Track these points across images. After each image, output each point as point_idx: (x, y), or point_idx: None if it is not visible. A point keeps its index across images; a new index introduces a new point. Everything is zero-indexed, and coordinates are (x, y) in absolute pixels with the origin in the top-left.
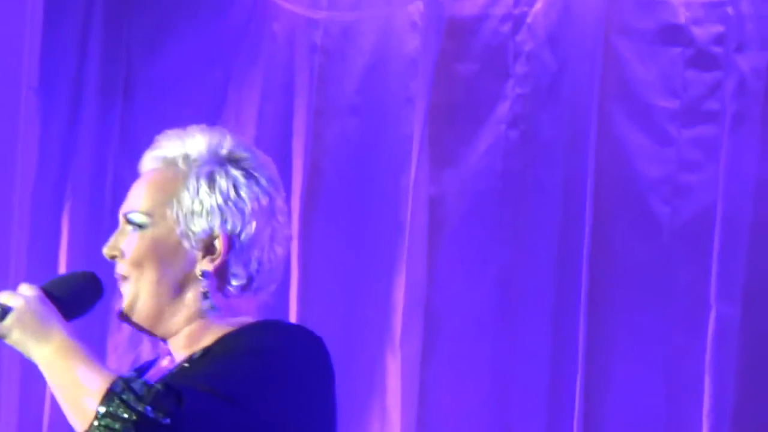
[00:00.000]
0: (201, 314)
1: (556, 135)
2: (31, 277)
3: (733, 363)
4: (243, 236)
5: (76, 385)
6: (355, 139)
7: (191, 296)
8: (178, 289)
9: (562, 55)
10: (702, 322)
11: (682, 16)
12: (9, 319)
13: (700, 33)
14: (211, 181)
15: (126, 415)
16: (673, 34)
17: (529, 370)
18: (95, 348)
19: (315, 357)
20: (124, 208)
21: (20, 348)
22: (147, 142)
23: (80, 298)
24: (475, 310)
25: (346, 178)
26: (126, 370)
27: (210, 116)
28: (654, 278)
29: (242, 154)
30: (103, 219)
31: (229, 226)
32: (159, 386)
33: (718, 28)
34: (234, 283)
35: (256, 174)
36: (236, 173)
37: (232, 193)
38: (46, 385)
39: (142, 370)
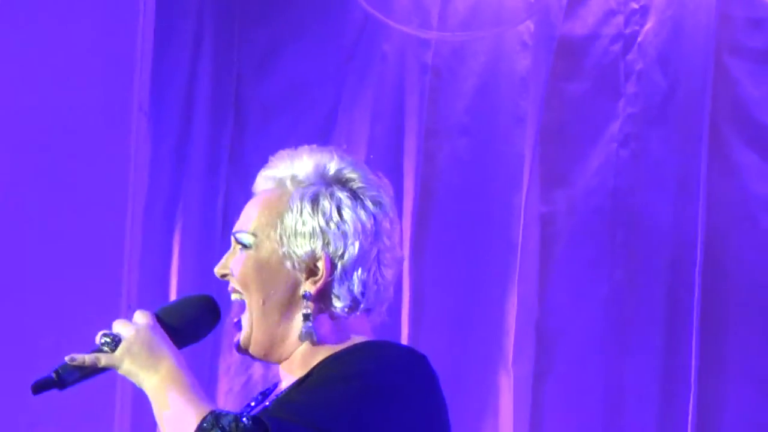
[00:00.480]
0: (306, 336)
1: (667, 154)
2: (143, 298)
3: None
4: (346, 258)
5: (175, 418)
6: (466, 159)
7: (298, 318)
8: (285, 312)
9: (673, 74)
10: None
11: None
12: (120, 350)
13: None
14: (315, 202)
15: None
16: None
17: (641, 389)
18: (207, 370)
19: (418, 378)
20: (235, 227)
21: (131, 378)
22: (257, 162)
23: (195, 325)
24: (587, 329)
25: (457, 198)
26: (239, 392)
27: (320, 136)
28: (766, 296)
29: (350, 174)
30: (213, 239)
31: (331, 248)
32: (248, 421)
33: None
34: (337, 304)
35: (362, 196)
36: (341, 195)
37: (335, 215)
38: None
39: (266, 393)
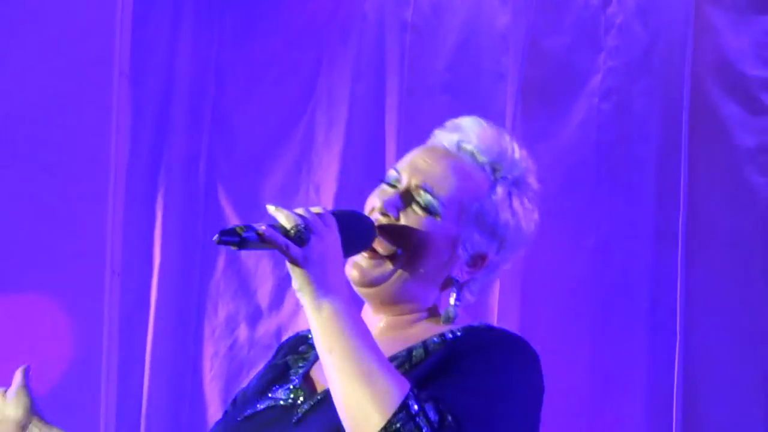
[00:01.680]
0: (432, 309)
1: (649, 107)
2: (127, 263)
3: None
4: (504, 263)
5: (363, 367)
6: (447, 116)
7: (432, 291)
8: (430, 282)
9: (653, 25)
10: None
11: None
12: (308, 250)
13: None
14: (510, 209)
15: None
16: (766, 2)
17: (626, 338)
18: (192, 333)
19: (538, 361)
20: (418, 176)
21: (296, 279)
22: (240, 125)
23: (359, 244)
24: (572, 281)
25: None
26: (225, 354)
27: (303, 96)
28: (751, 249)
29: (533, 181)
30: (196, 203)
31: (502, 252)
32: (450, 417)
33: None
34: (468, 296)
35: (534, 193)
36: (527, 204)
37: (525, 216)
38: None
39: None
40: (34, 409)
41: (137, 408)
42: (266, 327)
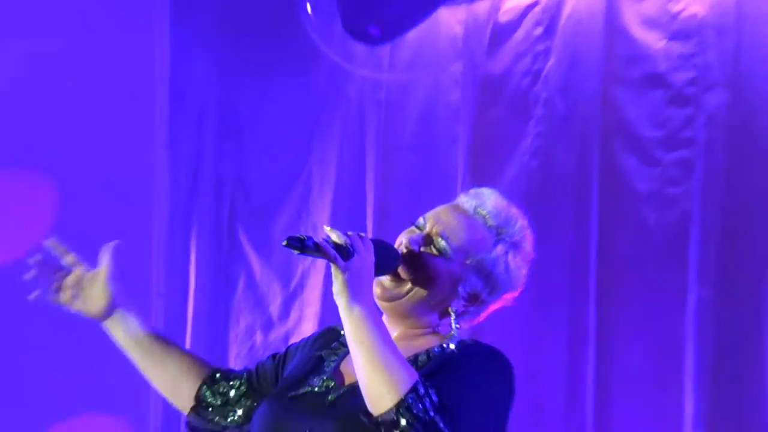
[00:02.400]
0: (435, 328)
1: (568, 162)
2: (168, 286)
3: (711, 334)
4: (491, 303)
5: (385, 360)
6: (413, 172)
7: (435, 315)
8: (433, 308)
9: (571, 99)
10: (683, 300)
11: (663, 66)
12: (350, 265)
13: (677, 78)
14: (506, 257)
15: (427, 416)
16: (656, 80)
17: (553, 342)
18: (220, 339)
19: (512, 370)
20: (439, 225)
21: (337, 286)
22: (255, 181)
23: (387, 268)
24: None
25: (408, 204)
26: (246, 355)
27: (302, 159)
28: (650, 274)
29: (525, 235)
30: (222, 240)
31: (493, 295)
32: (447, 402)
33: (690, 74)
34: (462, 324)
35: (527, 252)
36: (519, 263)
37: (515, 270)
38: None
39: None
40: (115, 298)
41: None
42: (276, 334)
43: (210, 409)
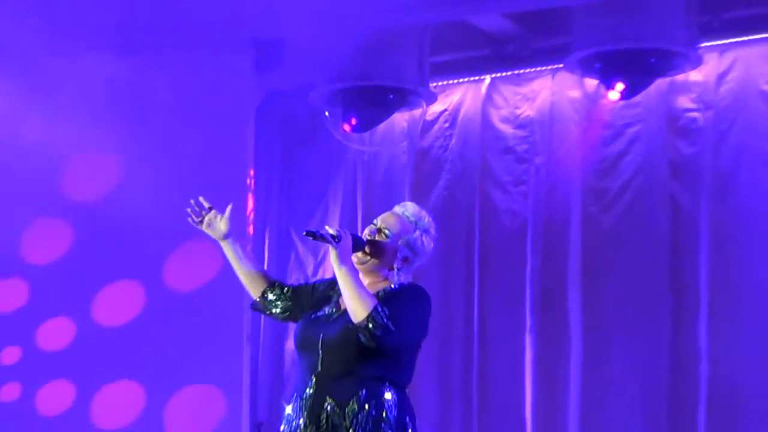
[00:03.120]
0: (387, 277)
1: (463, 194)
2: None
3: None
4: (416, 260)
5: (360, 294)
6: (382, 200)
7: (386, 271)
8: (386, 265)
9: (464, 161)
10: (522, 271)
11: (511, 143)
12: (339, 245)
13: (519, 149)
14: (421, 237)
15: (384, 322)
16: (508, 150)
17: (455, 303)
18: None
19: (428, 296)
20: (383, 223)
21: (332, 257)
22: (295, 208)
23: (358, 246)
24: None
25: (378, 215)
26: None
27: (320, 196)
28: (505, 257)
29: (430, 225)
30: (282, 231)
31: (416, 257)
32: (394, 314)
33: (526, 146)
34: (403, 271)
35: (432, 235)
36: (427, 238)
37: (425, 244)
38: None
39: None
40: (229, 230)
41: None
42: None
43: (266, 301)
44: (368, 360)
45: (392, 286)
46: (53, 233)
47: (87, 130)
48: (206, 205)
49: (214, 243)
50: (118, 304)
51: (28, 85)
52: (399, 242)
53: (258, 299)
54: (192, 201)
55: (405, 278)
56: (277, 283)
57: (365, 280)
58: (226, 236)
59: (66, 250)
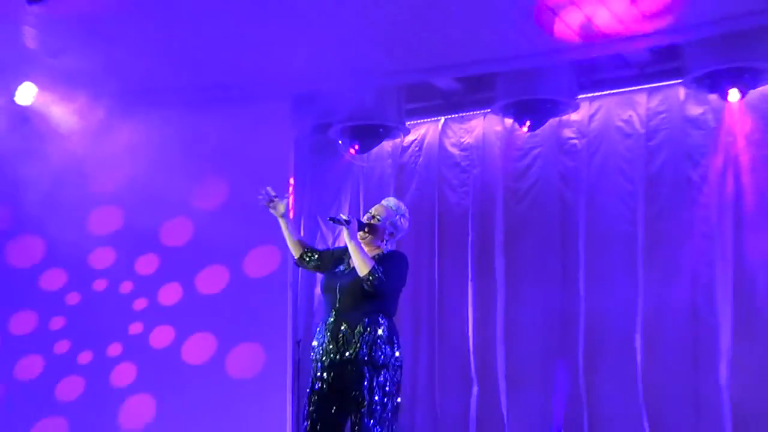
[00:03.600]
0: (379, 246)
1: (426, 194)
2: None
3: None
4: (397, 235)
5: (363, 258)
6: (375, 199)
7: (379, 242)
8: (378, 240)
9: (429, 173)
10: (464, 250)
11: (458, 160)
12: (350, 226)
13: (462, 165)
14: (400, 220)
15: (379, 276)
16: (455, 166)
17: (425, 274)
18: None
19: (407, 259)
20: (375, 211)
21: (345, 234)
22: (318, 202)
23: (361, 228)
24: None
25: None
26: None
27: (333, 196)
28: (453, 240)
29: (405, 212)
30: (309, 222)
31: (397, 233)
32: (385, 269)
33: (467, 163)
34: (390, 241)
35: (407, 218)
36: (404, 219)
37: (402, 224)
38: None
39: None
40: (287, 211)
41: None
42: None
43: (303, 260)
44: (369, 299)
45: (383, 252)
46: (182, 230)
47: (205, 163)
48: (272, 193)
49: (277, 245)
50: (213, 280)
51: (165, 139)
52: (386, 224)
53: (298, 258)
54: (263, 190)
55: (391, 247)
56: (310, 249)
57: (366, 249)
58: (283, 215)
59: (187, 240)
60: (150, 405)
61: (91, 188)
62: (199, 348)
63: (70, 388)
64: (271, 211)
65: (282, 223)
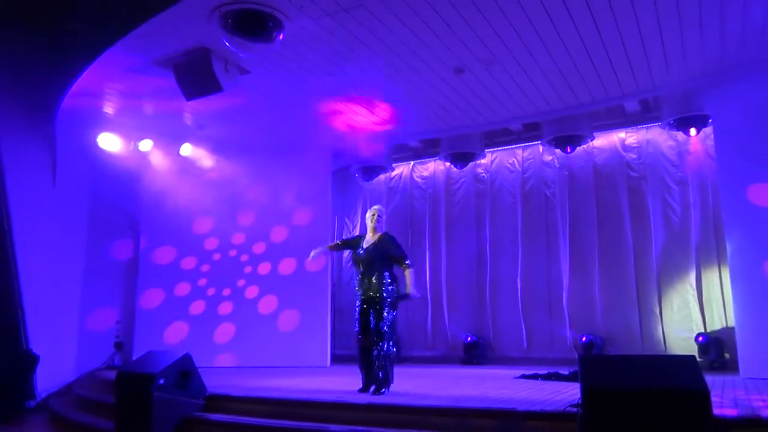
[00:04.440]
0: (379, 231)
1: (406, 204)
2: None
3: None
4: (384, 225)
5: (412, 275)
6: (393, 228)
7: (379, 228)
8: (380, 228)
9: (405, 195)
10: (439, 246)
11: (421, 193)
12: (411, 296)
13: (424, 196)
14: (383, 216)
15: (407, 261)
16: (425, 197)
17: (416, 253)
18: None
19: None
20: (375, 211)
21: (410, 287)
22: (344, 211)
23: (405, 297)
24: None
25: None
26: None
27: (352, 207)
28: (424, 232)
29: (383, 212)
30: (343, 227)
31: (383, 223)
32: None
33: (429, 192)
34: (383, 225)
35: (385, 215)
36: (385, 216)
37: (385, 218)
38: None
39: (361, 237)
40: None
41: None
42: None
43: (335, 246)
44: (381, 264)
45: (383, 233)
46: (277, 234)
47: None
48: (313, 253)
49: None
50: (288, 265)
51: (253, 177)
52: (383, 217)
53: (331, 247)
54: (312, 253)
55: (383, 229)
56: (336, 244)
57: (372, 232)
58: (326, 253)
59: (265, 249)
60: (232, 330)
61: (202, 201)
62: (269, 303)
63: (196, 308)
64: (317, 255)
65: (324, 251)
